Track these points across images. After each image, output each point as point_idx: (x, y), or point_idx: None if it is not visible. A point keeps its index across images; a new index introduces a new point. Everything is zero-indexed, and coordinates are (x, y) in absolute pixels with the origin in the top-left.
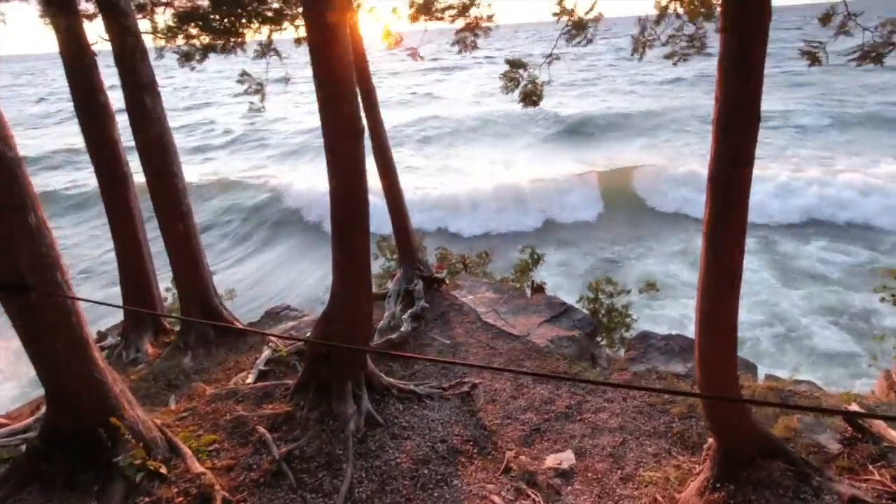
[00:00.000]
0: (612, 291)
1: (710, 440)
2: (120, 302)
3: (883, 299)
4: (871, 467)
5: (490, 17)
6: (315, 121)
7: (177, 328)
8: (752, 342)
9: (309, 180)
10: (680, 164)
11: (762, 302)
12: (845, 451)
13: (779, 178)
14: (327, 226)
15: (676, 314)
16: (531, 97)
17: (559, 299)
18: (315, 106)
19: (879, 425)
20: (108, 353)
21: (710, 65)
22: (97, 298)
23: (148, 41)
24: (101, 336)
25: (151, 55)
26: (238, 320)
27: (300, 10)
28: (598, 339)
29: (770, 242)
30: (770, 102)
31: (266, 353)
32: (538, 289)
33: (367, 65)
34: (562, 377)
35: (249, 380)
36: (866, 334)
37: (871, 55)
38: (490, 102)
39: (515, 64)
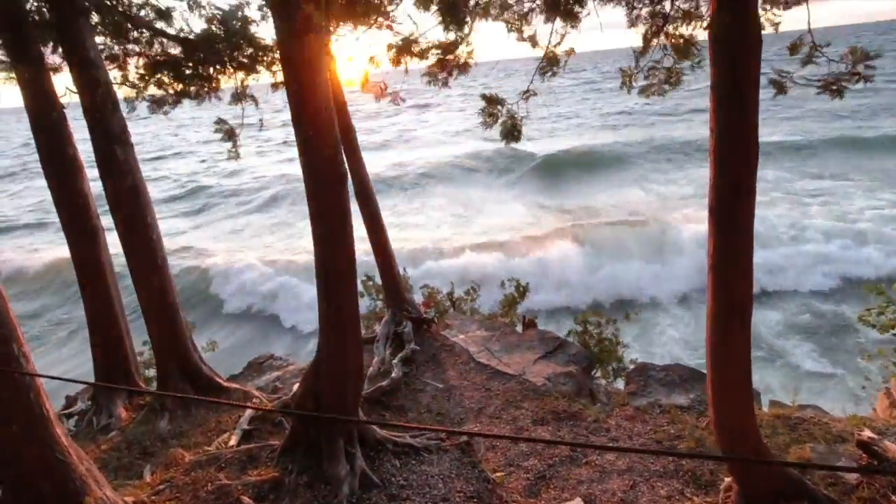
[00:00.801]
0: (600, 321)
1: (728, 480)
2: (90, 360)
3: (866, 322)
4: (893, 497)
5: (469, 54)
6: (278, 169)
7: (153, 386)
8: None
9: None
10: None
11: None
12: (863, 480)
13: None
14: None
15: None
16: (512, 133)
17: (552, 333)
18: (279, 155)
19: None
20: (76, 420)
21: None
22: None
23: (119, 91)
24: (71, 401)
25: (123, 107)
26: (219, 376)
27: (276, 54)
28: (594, 371)
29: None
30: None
31: (249, 410)
32: (530, 324)
33: (346, 107)
34: (575, 444)
35: (232, 442)
36: None
37: (832, 87)
38: (461, 140)
39: (492, 100)
